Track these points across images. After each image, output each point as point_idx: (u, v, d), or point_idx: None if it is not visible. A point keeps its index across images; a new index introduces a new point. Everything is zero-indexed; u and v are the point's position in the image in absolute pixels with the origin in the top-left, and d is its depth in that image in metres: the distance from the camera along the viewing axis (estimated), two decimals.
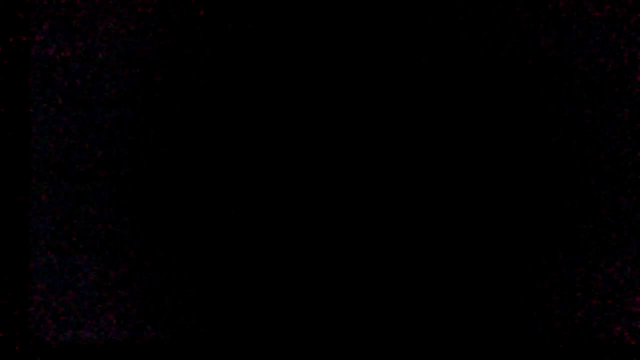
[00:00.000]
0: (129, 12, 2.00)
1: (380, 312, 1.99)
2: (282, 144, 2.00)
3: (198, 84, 2.00)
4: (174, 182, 1.99)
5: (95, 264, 1.98)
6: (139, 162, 1.98)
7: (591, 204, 2.01)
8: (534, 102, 2.01)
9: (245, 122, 2.00)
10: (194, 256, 1.99)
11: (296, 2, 1.99)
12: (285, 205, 2.00)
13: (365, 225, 1.99)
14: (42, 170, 1.98)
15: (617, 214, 2.01)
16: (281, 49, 2.01)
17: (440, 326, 1.98)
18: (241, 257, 1.99)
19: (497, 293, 1.99)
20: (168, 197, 2.00)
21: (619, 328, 1.98)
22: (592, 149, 2.01)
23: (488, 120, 2.00)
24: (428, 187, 2.00)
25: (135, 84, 2.00)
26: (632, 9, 2.01)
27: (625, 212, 1.99)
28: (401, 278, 1.99)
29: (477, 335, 1.98)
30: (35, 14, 1.97)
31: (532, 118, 2.01)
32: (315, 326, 1.98)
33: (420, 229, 1.99)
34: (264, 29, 2.01)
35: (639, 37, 2.01)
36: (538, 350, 1.98)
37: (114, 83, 2.00)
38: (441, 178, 1.99)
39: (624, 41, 2.02)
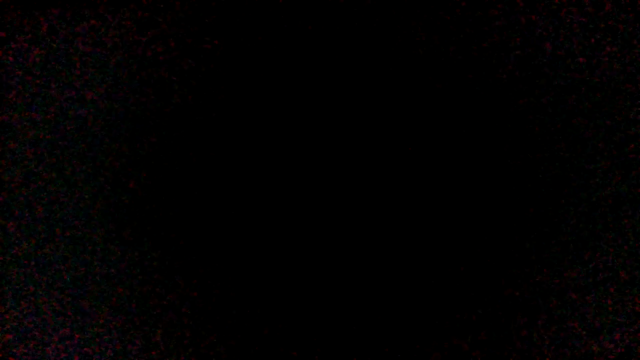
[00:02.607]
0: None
1: (373, 319, 2.00)
2: (280, 146, 2.00)
3: (193, 84, 2.01)
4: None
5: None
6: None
7: (590, 208, 2.01)
8: (532, 102, 2.02)
9: (237, 126, 2.00)
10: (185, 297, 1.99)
11: (294, 4, 2.00)
12: (284, 211, 2.00)
13: (364, 226, 2.00)
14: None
15: (616, 217, 2.01)
16: (277, 49, 2.02)
17: (434, 329, 1.99)
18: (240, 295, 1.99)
19: (493, 295, 2.00)
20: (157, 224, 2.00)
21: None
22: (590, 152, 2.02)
23: (488, 122, 2.01)
24: (427, 189, 2.00)
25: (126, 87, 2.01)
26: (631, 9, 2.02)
27: (626, 211, 2.00)
28: (394, 283, 2.00)
29: (473, 338, 1.99)
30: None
31: (531, 119, 2.02)
32: (315, 328, 1.99)
33: (418, 231, 2.00)
34: (256, 32, 2.01)
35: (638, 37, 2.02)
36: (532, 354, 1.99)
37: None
38: (441, 179, 2.00)
39: (623, 42, 2.02)
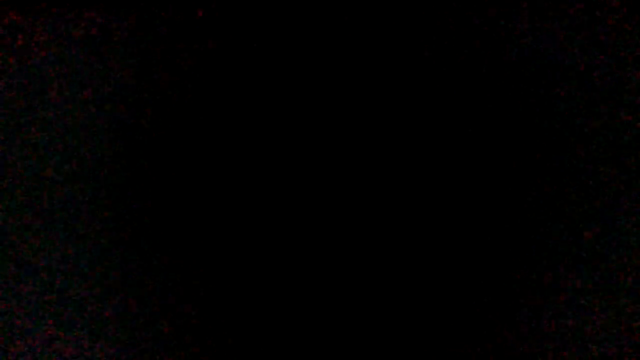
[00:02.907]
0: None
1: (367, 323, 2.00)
2: (279, 146, 2.01)
3: (192, 84, 2.01)
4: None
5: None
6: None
7: (589, 208, 2.02)
8: (531, 103, 2.03)
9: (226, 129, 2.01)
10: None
11: (293, 4, 2.01)
12: (283, 211, 2.00)
13: (366, 227, 2.00)
14: None
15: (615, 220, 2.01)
16: (275, 48, 2.02)
17: (432, 330, 1.99)
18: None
19: (490, 297, 2.00)
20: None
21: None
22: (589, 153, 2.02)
23: (487, 122, 2.01)
24: (426, 191, 2.01)
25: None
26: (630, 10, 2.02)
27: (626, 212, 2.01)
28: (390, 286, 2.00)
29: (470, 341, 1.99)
30: None
31: (530, 120, 2.02)
32: (315, 329, 1.99)
33: (418, 232, 2.00)
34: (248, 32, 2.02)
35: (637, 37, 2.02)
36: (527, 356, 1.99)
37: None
38: (442, 180, 2.00)
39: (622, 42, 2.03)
